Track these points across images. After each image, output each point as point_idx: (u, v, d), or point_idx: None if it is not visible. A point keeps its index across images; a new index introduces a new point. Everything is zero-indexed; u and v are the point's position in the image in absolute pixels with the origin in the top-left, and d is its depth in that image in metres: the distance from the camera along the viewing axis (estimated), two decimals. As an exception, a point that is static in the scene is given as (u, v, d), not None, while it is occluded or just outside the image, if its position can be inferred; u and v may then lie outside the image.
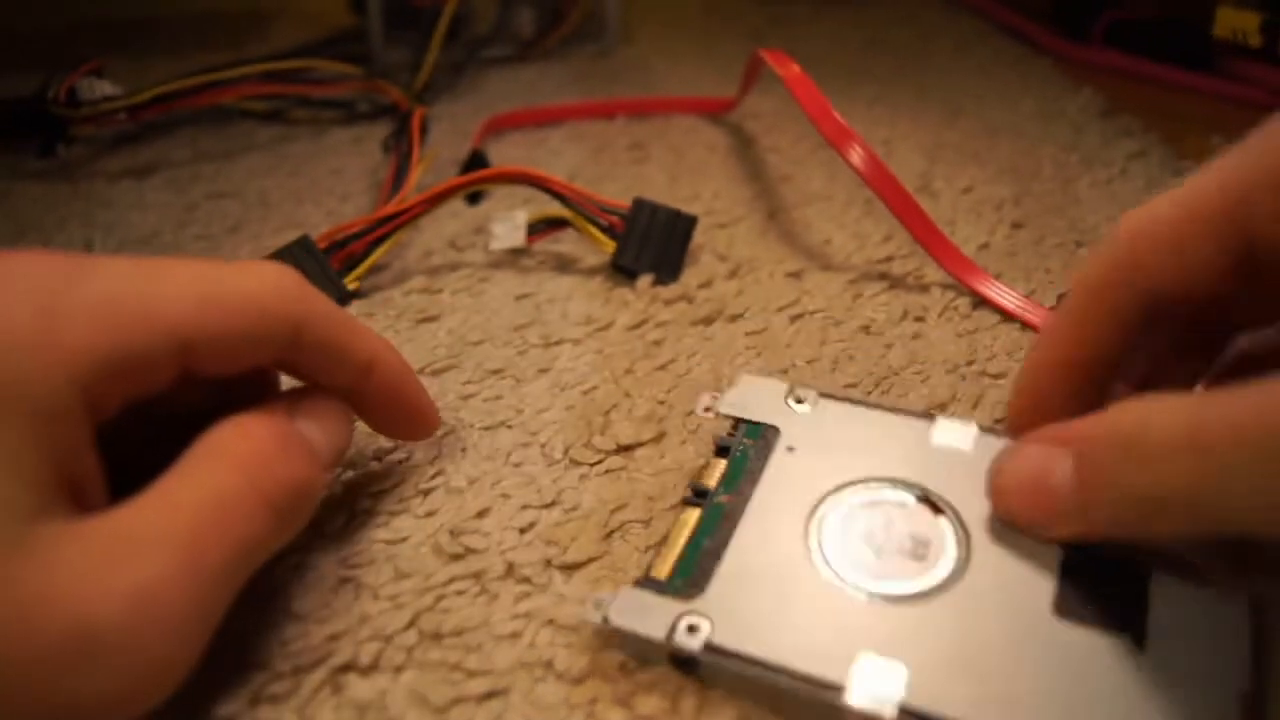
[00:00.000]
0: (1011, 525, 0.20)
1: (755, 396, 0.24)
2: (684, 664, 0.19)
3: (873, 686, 0.18)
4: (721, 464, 0.23)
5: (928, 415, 0.23)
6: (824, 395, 0.24)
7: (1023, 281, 0.34)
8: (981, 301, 0.33)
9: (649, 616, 0.19)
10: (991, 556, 0.20)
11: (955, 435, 0.22)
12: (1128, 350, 0.20)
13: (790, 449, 0.23)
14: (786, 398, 0.24)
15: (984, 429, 0.23)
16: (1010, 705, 0.17)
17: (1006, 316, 0.32)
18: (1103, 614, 0.18)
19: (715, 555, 0.21)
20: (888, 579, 0.20)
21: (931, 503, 0.21)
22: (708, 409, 0.24)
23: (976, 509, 0.21)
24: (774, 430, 0.23)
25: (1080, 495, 0.18)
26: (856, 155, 0.35)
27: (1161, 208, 0.19)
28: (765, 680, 0.18)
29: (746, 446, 0.23)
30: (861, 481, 0.22)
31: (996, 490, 0.21)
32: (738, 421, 0.24)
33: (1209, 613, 0.18)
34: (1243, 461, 0.15)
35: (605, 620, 0.20)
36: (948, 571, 0.20)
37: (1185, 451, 0.16)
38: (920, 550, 0.20)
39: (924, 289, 0.34)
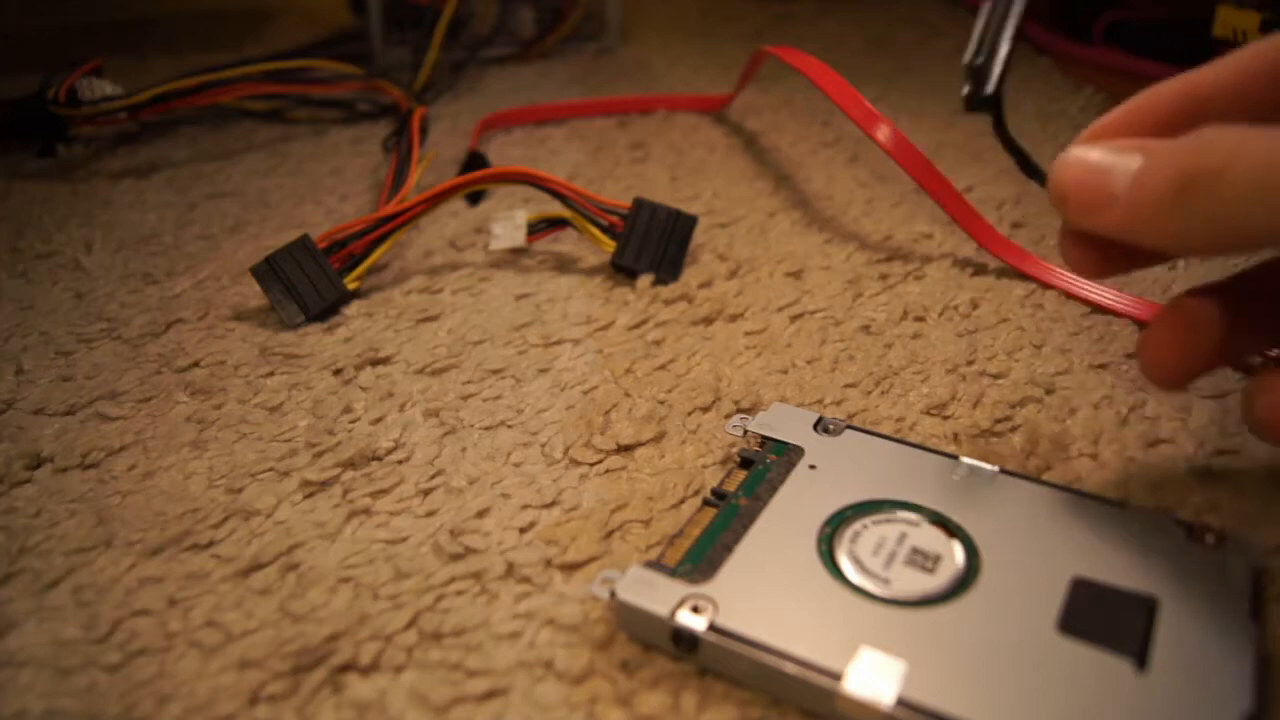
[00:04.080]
0: (1059, 204, 0.21)
1: (785, 421, 0.25)
2: (685, 644, 0.19)
3: (872, 677, 0.18)
4: (743, 474, 0.24)
5: (951, 455, 0.24)
6: (851, 427, 0.25)
7: (1023, 281, 0.34)
8: (978, 304, 0.33)
9: (656, 593, 0.20)
10: (1001, 576, 0.20)
11: (976, 474, 0.23)
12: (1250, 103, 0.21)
13: (812, 467, 0.24)
14: (815, 426, 0.25)
15: (1005, 471, 0.23)
16: (1007, 708, 0.17)
17: (1039, 284, 0.32)
18: (1107, 634, 0.19)
19: (727, 548, 0.21)
20: (894, 585, 0.20)
21: (945, 525, 0.22)
22: (737, 428, 0.25)
23: (990, 538, 0.21)
24: (799, 450, 0.24)
25: (1134, 189, 0.19)
26: (884, 134, 0.36)
27: None
28: (765, 664, 0.18)
29: (770, 461, 0.24)
30: (879, 500, 0.22)
31: (1058, 165, 0.21)
32: (764, 440, 0.25)
33: (1214, 638, 0.18)
34: None
35: (613, 595, 0.20)
36: (955, 583, 0.20)
37: (1259, 173, 0.17)
38: (929, 564, 0.21)
39: (924, 289, 0.34)
